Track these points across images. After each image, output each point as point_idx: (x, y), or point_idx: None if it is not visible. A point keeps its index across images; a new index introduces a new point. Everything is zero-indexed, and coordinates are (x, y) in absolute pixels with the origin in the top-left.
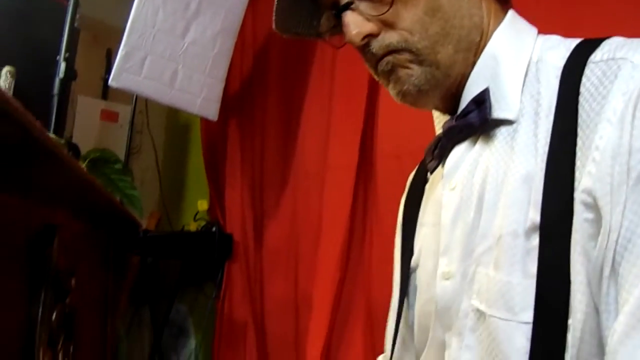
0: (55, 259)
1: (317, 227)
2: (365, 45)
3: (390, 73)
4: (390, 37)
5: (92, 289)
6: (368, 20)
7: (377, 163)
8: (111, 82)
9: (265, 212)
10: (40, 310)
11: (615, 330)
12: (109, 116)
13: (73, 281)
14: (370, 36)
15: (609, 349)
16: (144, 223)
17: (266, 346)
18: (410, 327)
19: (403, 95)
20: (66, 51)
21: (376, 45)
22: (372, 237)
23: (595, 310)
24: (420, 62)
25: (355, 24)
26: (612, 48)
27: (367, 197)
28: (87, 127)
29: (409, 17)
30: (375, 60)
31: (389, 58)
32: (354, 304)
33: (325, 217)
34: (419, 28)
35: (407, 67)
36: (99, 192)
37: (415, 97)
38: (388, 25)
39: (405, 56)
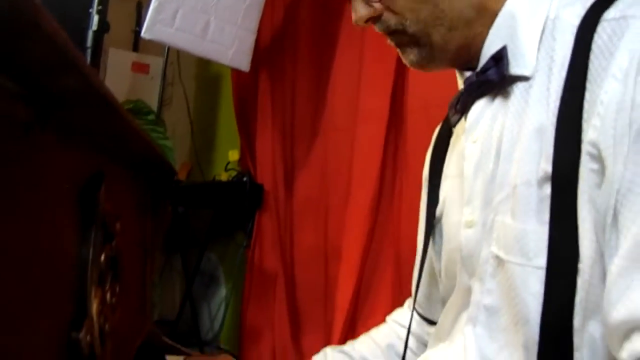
0: (102, 203)
1: (347, 178)
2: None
3: (397, 47)
4: (389, 20)
5: (133, 234)
6: (369, 4)
7: (407, 115)
8: (144, 34)
9: (296, 163)
10: (91, 251)
11: (610, 272)
12: (140, 68)
13: (118, 225)
14: (373, 18)
15: (606, 289)
16: (175, 174)
17: (295, 295)
18: (434, 274)
19: (410, 64)
20: (99, 4)
21: (378, 27)
22: (401, 187)
23: (602, 256)
24: (415, 44)
25: (356, 9)
26: (624, 6)
27: (397, 148)
28: (118, 80)
29: (400, 3)
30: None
31: (391, 38)
32: (382, 254)
33: (355, 168)
34: (410, 14)
35: (406, 47)
36: (143, 139)
37: (420, 68)
38: (387, 8)
39: (403, 38)
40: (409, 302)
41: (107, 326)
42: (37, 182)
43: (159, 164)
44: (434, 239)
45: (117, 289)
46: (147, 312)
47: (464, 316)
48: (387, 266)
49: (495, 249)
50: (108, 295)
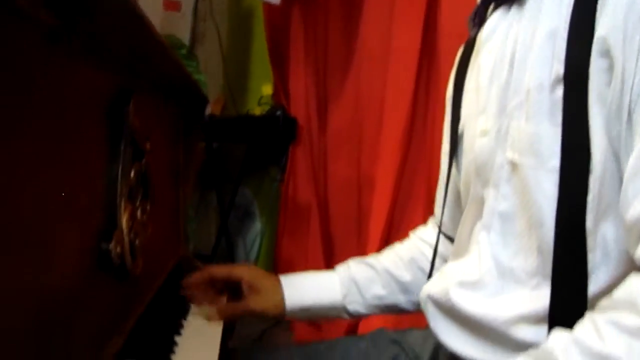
0: (131, 118)
1: (380, 109)
2: None
3: None
4: None
5: (165, 158)
6: None
7: (440, 43)
8: None
9: (329, 96)
10: (121, 164)
11: (626, 170)
12: (171, 5)
13: (148, 145)
14: None
15: (622, 188)
16: (209, 109)
17: (329, 226)
18: (457, 195)
19: None
20: None
21: None
22: (434, 116)
23: (613, 154)
24: None
25: None
26: None
27: (429, 77)
28: (150, 17)
29: None
30: None
31: None
32: (415, 184)
33: (388, 99)
34: None
35: None
36: (173, 60)
37: None
38: None
39: None
40: (432, 220)
41: (138, 241)
42: (67, 92)
43: (190, 91)
44: (457, 158)
45: (148, 207)
46: (180, 238)
47: (478, 226)
48: (420, 195)
49: (509, 154)
50: (139, 212)
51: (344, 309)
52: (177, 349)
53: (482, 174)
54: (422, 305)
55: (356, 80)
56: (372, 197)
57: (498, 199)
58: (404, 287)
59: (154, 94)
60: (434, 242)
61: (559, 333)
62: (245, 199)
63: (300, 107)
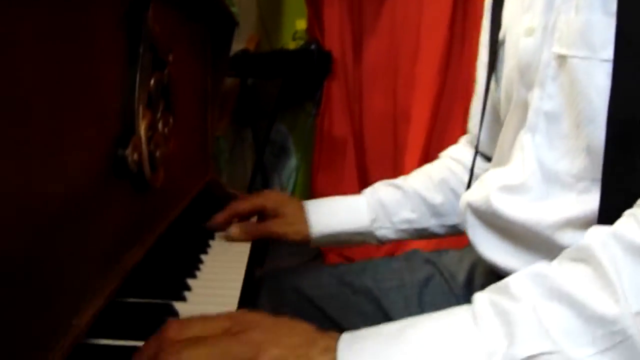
0: (151, 24)
1: (416, 40)
2: None
3: None
4: None
5: (190, 77)
6: None
7: None
8: None
9: (364, 28)
10: (139, 69)
11: None
12: None
13: (171, 57)
14: None
15: None
16: (243, 46)
17: (365, 160)
18: (494, 110)
19: None
20: None
21: None
22: (471, 47)
23: None
24: None
25: None
26: None
27: (466, 6)
28: None
29: None
30: None
31: None
32: (452, 114)
33: (423, 30)
34: None
35: None
36: None
37: None
38: None
39: None
40: (464, 139)
41: (158, 153)
42: None
43: (218, 11)
44: (495, 69)
45: (171, 121)
46: (209, 163)
47: (522, 132)
48: (457, 127)
49: (557, 49)
50: (160, 124)
51: (372, 235)
52: (202, 267)
53: (526, 75)
54: (461, 215)
55: (391, 10)
56: (408, 130)
57: (543, 99)
58: (435, 210)
59: (178, 8)
60: (466, 161)
61: (597, 228)
62: (281, 135)
63: (335, 40)
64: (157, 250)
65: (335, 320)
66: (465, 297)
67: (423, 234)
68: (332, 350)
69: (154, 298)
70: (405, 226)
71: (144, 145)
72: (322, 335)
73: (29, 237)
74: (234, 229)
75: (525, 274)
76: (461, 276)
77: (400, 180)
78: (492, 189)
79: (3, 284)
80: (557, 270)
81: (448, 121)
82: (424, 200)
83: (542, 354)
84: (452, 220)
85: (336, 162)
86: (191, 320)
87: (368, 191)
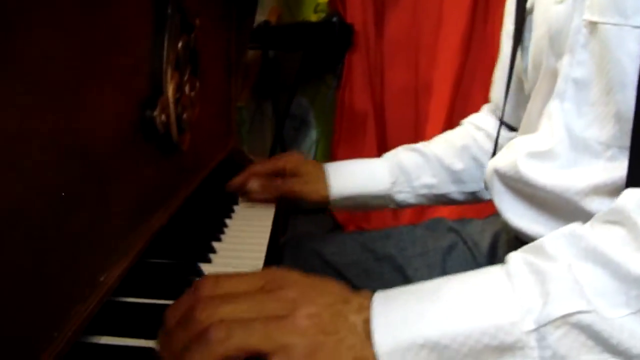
0: None
1: (439, 13)
2: None
3: None
4: None
5: (215, 44)
6: None
7: None
8: None
9: (386, 0)
10: (167, 31)
11: None
12: None
13: (198, 21)
14: None
15: None
16: (265, 18)
17: (385, 134)
18: (519, 80)
19: None
20: None
21: None
22: (494, 19)
23: None
24: None
25: None
26: None
27: None
28: None
29: None
30: None
31: None
32: (474, 88)
33: (446, 2)
34: None
35: None
36: None
37: None
38: None
39: None
40: (486, 107)
41: (185, 115)
42: None
43: None
44: (522, 38)
45: (197, 85)
46: (232, 130)
47: (551, 100)
48: (478, 99)
49: (588, 16)
50: (187, 88)
51: (391, 198)
52: (226, 230)
53: (556, 43)
54: (488, 182)
55: None
56: (430, 104)
57: (573, 66)
58: (456, 177)
59: None
60: (488, 128)
61: (631, 190)
62: (301, 107)
63: (357, 12)
64: (182, 213)
65: (358, 287)
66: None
67: (442, 200)
68: (366, 308)
69: (180, 260)
70: (424, 191)
71: (171, 107)
72: (355, 294)
73: (59, 192)
74: (253, 183)
75: (560, 234)
76: (484, 245)
77: (421, 145)
78: (520, 155)
79: (35, 237)
80: (592, 231)
81: (470, 95)
82: (444, 166)
83: (577, 312)
84: (472, 187)
85: (356, 135)
86: (225, 276)
87: (389, 155)
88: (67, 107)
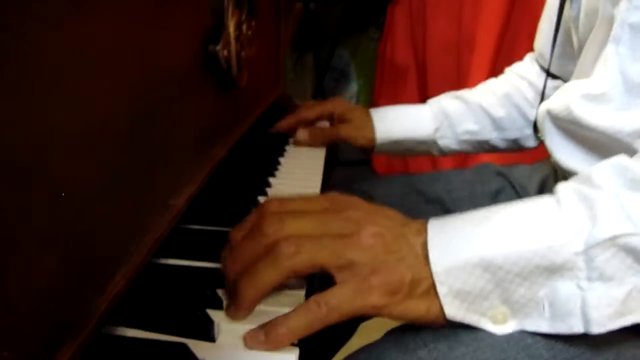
0: None
1: None
2: None
3: None
4: None
5: None
6: None
7: None
8: None
9: None
10: None
11: None
12: None
13: None
14: None
15: None
16: None
17: (427, 87)
18: (567, 25)
19: None
20: None
21: None
22: None
23: None
24: None
25: None
26: None
27: None
28: None
29: None
30: None
31: None
32: (518, 42)
33: None
34: None
35: None
36: None
37: None
38: None
39: None
40: (529, 56)
41: (243, 53)
42: None
43: None
44: None
45: (254, 24)
46: (281, 75)
47: (606, 47)
48: (522, 53)
49: None
50: (244, 27)
51: (435, 144)
52: (280, 167)
53: None
54: (539, 124)
55: None
56: (472, 58)
57: (630, 10)
58: (497, 124)
59: None
60: (531, 77)
61: None
62: (342, 60)
63: None
64: (239, 149)
65: None
66: None
67: (484, 147)
68: (424, 231)
69: (239, 192)
70: (467, 137)
71: (232, 42)
72: (413, 220)
73: (130, 120)
74: (301, 134)
75: (608, 164)
76: (532, 189)
77: (464, 93)
78: (574, 97)
79: (119, 148)
80: (638, 163)
81: (513, 50)
82: (486, 113)
83: (625, 234)
84: (513, 134)
85: (397, 88)
86: (291, 197)
87: (433, 101)
88: (149, 26)
